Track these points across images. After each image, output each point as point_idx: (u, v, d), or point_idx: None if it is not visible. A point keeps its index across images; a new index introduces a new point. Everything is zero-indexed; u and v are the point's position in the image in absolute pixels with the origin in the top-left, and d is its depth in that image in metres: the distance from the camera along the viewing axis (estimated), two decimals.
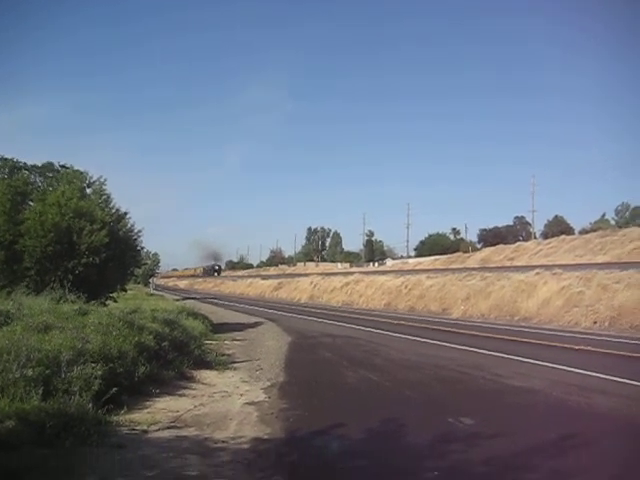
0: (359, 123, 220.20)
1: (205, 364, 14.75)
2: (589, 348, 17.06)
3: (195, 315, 25.44)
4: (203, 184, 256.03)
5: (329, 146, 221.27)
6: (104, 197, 24.28)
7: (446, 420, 8.83)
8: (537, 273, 32.31)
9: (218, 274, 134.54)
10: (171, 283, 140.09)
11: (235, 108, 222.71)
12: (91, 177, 24.57)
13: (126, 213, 24.77)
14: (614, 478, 6.18)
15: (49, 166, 26.84)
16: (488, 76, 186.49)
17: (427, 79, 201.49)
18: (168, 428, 8.52)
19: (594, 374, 12.47)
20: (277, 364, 15.56)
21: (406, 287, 42.98)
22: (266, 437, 8.18)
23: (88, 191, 24.35)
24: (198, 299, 57.62)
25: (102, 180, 24.56)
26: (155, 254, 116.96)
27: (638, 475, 6.31)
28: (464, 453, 7.15)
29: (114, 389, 8.93)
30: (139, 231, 25.19)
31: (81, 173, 24.77)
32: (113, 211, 24.02)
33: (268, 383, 12.72)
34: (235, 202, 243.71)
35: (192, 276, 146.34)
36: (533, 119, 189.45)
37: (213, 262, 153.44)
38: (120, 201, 25.03)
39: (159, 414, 9.29)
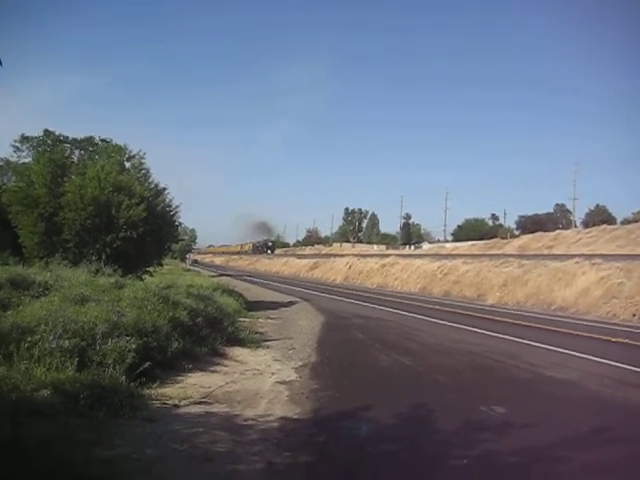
0: (399, 108, 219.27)
1: (238, 341, 14.81)
2: (627, 341, 16.79)
3: (230, 292, 25.58)
4: (243, 161, 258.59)
5: (366, 130, 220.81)
6: (143, 172, 24.52)
7: (478, 408, 8.74)
8: (576, 262, 31.81)
9: (272, 251, 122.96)
10: (207, 259, 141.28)
11: (276, 87, 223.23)
12: (130, 151, 24.82)
13: (165, 188, 24.97)
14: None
15: (89, 140, 27.22)
16: (528, 66, 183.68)
17: (468, 66, 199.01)
18: (199, 403, 8.58)
19: (631, 367, 12.26)
20: (309, 344, 15.58)
21: (442, 272, 42.69)
22: (296, 417, 8.20)
23: (127, 165, 24.61)
24: (233, 276, 57.94)
25: (141, 154, 24.79)
26: (192, 230, 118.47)
27: None
28: (495, 442, 7.07)
29: (147, 363, 9.04)
30: (177, 206, 25.34)
31: (121, 147, 25.01)
32: (152, 186, 24.19)
33: (300, 363, 12.74)
34: (273, 181, 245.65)
35: (237, 253, 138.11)
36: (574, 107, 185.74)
37: (265, 238, 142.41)
38: (161, 176, 25.27)
39: (190, 389, 9.36)
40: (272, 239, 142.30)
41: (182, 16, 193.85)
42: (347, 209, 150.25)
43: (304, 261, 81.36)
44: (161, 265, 29.31)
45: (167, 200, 24.89)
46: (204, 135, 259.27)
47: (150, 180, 24.42)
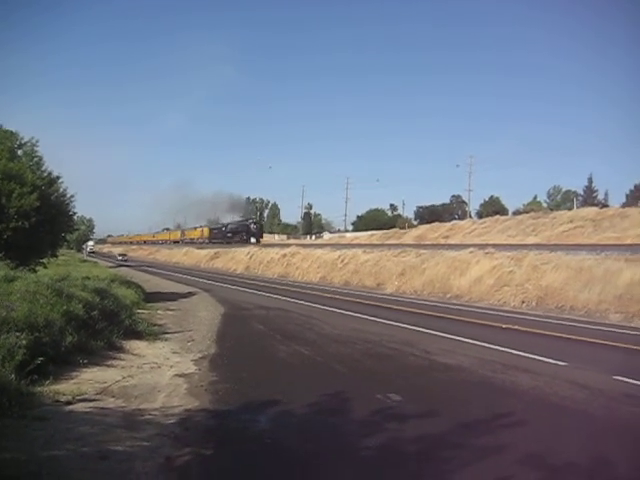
0: (297, 99, 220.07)
1: (136, 334, 14.57)
2: (516, 327, 17.50)
3: (128, 283, 25.13)
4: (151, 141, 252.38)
5: (268, 122, 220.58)
6: (36, 159, 23.61)
7: (375, 396, 8.90)
8: (471, 252, 32.85)
9: (257, 240, 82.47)
10: (106, 249, 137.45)
11: (182, 64, 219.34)
12: (22, 138, 23.80)
13: (59, 177, 24.19)
14: (533, 456, 6.34)
15: None
16: (435, 55, 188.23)
17: (374, 56, 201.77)
18: (94, 400, 8.35)
19: (519, 353, 12.80)
20: (209, 336, 15.51)
21: (342, 261, 43.24)
22: (194, 410, 8.11)
23: (19, 153, 23.57)
24: (132, 267, 56.77)
25: (34, 142, 23.85)
26: (90, 220, 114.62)
27: (553, 452, 6.49)
28: (392, 430, 7.24)
29: (39, 359, 8.70)
30: (72, 196, 24.63)
31: (12, 133, 23.93)
32: (45, 174, 23.34)
33: (199, 355, 12.67)
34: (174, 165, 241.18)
35: (174, 242, 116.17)
36: (473, 97, 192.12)
37: (241, 217, 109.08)
38: (55, 164, 24.42)
39: (85, 385, 9.11)
40: (254, 219, 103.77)
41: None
42: (248, 198, 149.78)
43: (205, 251, 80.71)
44: (56, 256, 28.40)
45: (61, 189, 24.10)
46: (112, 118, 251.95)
47: (43, 168, 23.55)
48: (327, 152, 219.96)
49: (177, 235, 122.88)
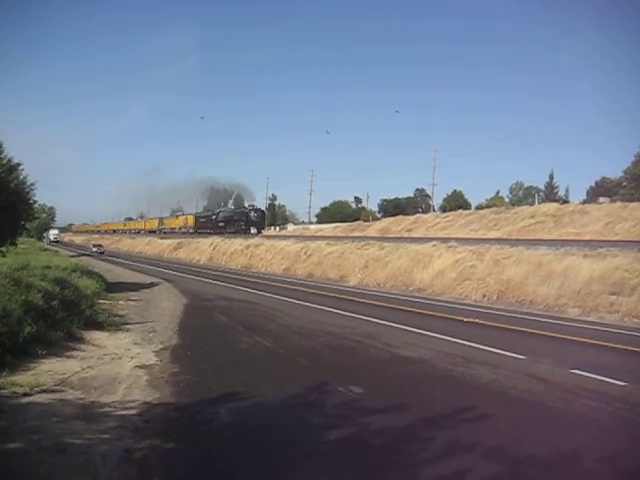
0: (264, 93, 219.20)
1: (96, 325, 14.40)
2: (477, 320, 17.71)
3: (89, 273, 24.80)
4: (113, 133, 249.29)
5: (234, 114, 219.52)
6: None
7: (336, 389, 8.94)
8: (433, 245, 33.12)
9: (258, 231, 69.55)
10: (67, 239, 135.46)
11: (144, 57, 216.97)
12: None
13: (19, 164, 23.63)
14: (491, 449, 6.43)
15: None
16: (403, 48, 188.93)
17: (341, 50, 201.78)
18: (52, 391, 8.25)
19: (479, 346, 12.95)
20: (171, 327, 15.42)
21: (305, 253, 43.24)
22: (155, 402, 8.07)
23: None
24: (94, 256, 56.09)
25: None
26: (51, 208, 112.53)
27: (510, 445, 6.58)
28: (353, 422, 7.26)
29: None
30: (32, 184, 24.13)
31: None
32: (5, 161, 22.86)
33: (161, 346, 12.59)
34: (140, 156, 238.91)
35: (151, 232, 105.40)
36: (437, 89, 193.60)
37: (231, 206, 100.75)
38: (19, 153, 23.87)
39: (44, 376, 8.98)
40: (254, 205, 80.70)
41: None
42: (212, 188, 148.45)
43: (168, 241, 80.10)
44: (15, 244, 27.90)
45: (21, 177, 23.62)
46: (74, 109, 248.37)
47: (3, 155, 23.04)
48: (292, 144, 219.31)
49: (154, 224, 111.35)
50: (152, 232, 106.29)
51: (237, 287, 29.28)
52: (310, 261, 41.50)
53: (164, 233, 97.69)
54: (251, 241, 55.09)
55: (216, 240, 63.16)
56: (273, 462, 6.10)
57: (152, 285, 28.66)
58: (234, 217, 76.41)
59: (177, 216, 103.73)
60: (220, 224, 77.40)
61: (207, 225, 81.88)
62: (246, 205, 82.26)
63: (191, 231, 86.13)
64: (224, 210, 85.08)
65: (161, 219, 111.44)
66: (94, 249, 72.72)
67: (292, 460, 6.16)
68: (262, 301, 22.70)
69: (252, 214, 73.52)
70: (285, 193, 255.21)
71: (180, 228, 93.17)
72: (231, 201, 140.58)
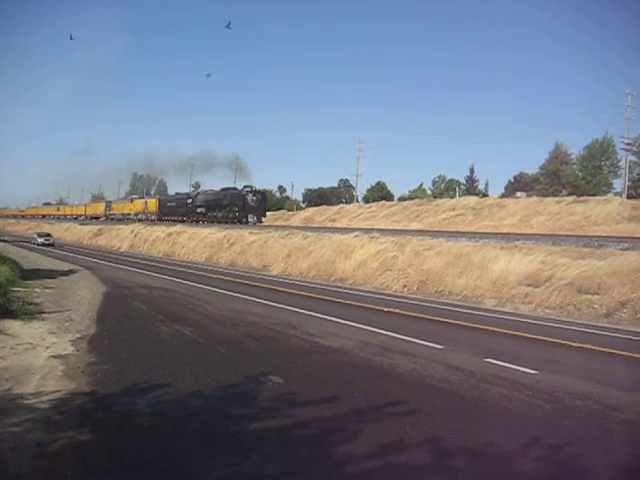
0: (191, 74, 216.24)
1: (9, 313, 13.90)
2: (397, 310, 18.00)
3: (3, 259, 23.96)
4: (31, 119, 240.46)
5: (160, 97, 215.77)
6: None
7: (257, 378, 8.98)
8: (356, 235, 33.32)
9: (258, 219, 56.62)
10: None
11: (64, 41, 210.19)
12: None
13: None
14: (406, 438, 6.58)
15: None
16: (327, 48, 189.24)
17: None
18: None
19: (399, 336, 13.18)
20: (89, 315, 15.11)
21: (228, 241, 42.95)
22: (70, 393, 7.91)
23: None
24: (9, 242, 54.21)
25: None
26: None
27: (426, 433, 6.75)
28: (272, 412, 7.32)
29: None
30: None
31: None
32: None
33: (77, 335, 12.32)
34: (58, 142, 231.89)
35: (94, 218, 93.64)
36: (362, 85, 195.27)
37: (221, 186, 72.49)
38: None
39: None
40: (253, 186, 60.86)
41: None
42: (135, 174, 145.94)
43: (88, 227, 78.26)
44: None
45: None
46: None
47: None
48: (216, 131, 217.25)
49: (100, 209, 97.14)
50: (95, 218, 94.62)
51: (158, 275, 28.91)
52: (233, 250, 41.23)
53: (111, 220, 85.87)
54: (173, 229, 54.32)
55: (138, 227, 62.06)
56: (191, 451, 6.07)
57: (70, 272, 27.89)
58: (223, 201, 60.29)
59: (132, 199, 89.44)
60: (199, 210, 64.31)
61: (178, 211, 68.87)
62: (239, 187, 62.90)
63: (152, 218, 73.49)
64: (207, 192, 68.27)
65: (109, 203, 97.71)
66: (40, 239, 59.94)
67: (211, 450, 6.15)
68: (183, 289, 22.47)
69: (250, 197, 57.24)
70: (210, 181, 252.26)
71: (136, 214, 79.58)
72: (154, 188, 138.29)
